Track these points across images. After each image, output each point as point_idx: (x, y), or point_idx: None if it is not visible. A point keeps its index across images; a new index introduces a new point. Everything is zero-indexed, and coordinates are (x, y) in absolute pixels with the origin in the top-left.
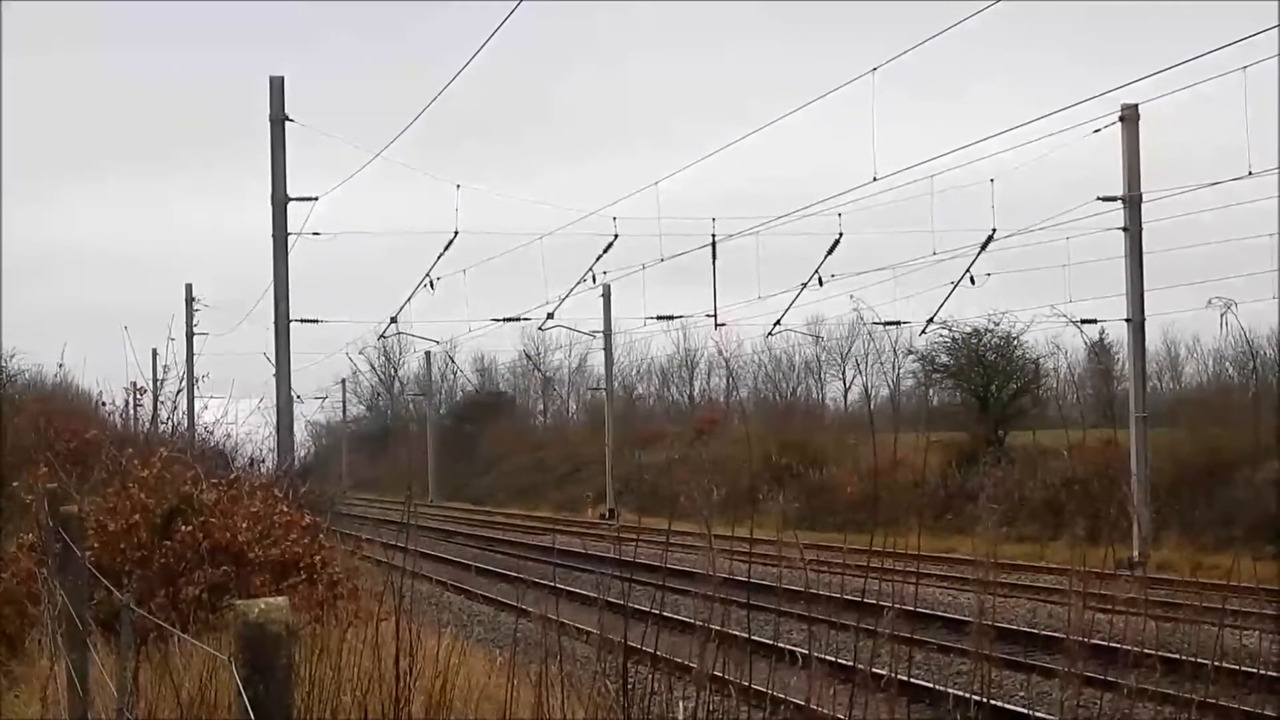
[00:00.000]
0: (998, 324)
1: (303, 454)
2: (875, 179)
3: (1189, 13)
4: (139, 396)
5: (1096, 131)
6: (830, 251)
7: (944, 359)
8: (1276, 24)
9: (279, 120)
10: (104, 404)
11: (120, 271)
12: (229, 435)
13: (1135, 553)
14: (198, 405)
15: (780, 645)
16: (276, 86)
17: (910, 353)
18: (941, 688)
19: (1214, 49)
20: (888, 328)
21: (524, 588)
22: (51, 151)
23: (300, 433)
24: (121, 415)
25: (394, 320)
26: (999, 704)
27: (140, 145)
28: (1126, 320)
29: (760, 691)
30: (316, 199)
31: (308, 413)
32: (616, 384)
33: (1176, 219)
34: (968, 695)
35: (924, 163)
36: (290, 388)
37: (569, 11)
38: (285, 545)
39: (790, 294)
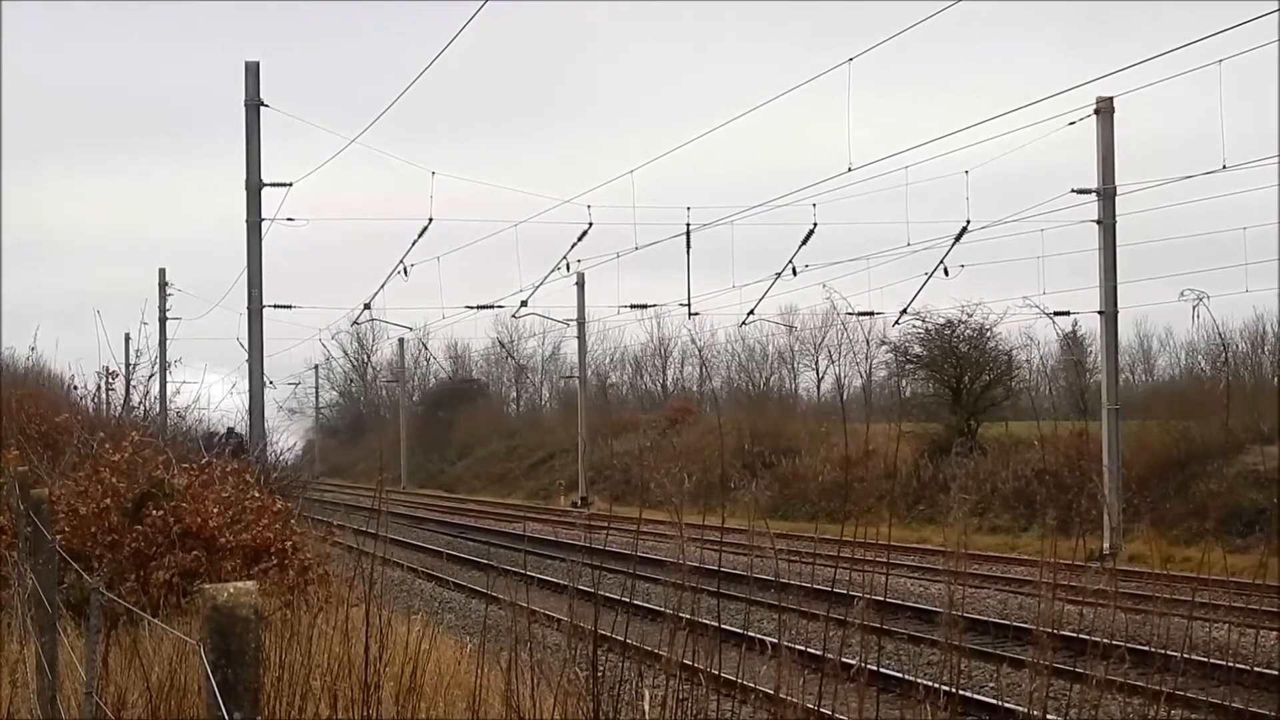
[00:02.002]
0: (971, 315)
1: (293, 443)
2: (850, 169)
3: (1165, 8)
4: (111, 381)
5: (1071, 124)
6: (804, 242)
7: (917, 350)
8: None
9: (254, 105)
10: (76, 388)
11: (93, 255)
12: (201, 420)
13: (1106, 544)
14: (171, 388)
15: (750, 634)
16: (252, 71)
17: (883, 343)
18: (911, 678)
19: (1189, 42)
20: (861, 318)
21: (495, 575)
22: (22, 135)
23: (272, 418)
24: (93, 399)
25: (368, 306)
26: (968, 694)
27: (113, 129)
28: (1099, 312)
29: (730, 680)
30: (291, 185)
31: (279, 398)
32: (590, 372)
33: (1150, 212)
34: (937, 685)
35: (898, 154)
36: (263, 373)
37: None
38: (256, 530)
39: (764, 284)
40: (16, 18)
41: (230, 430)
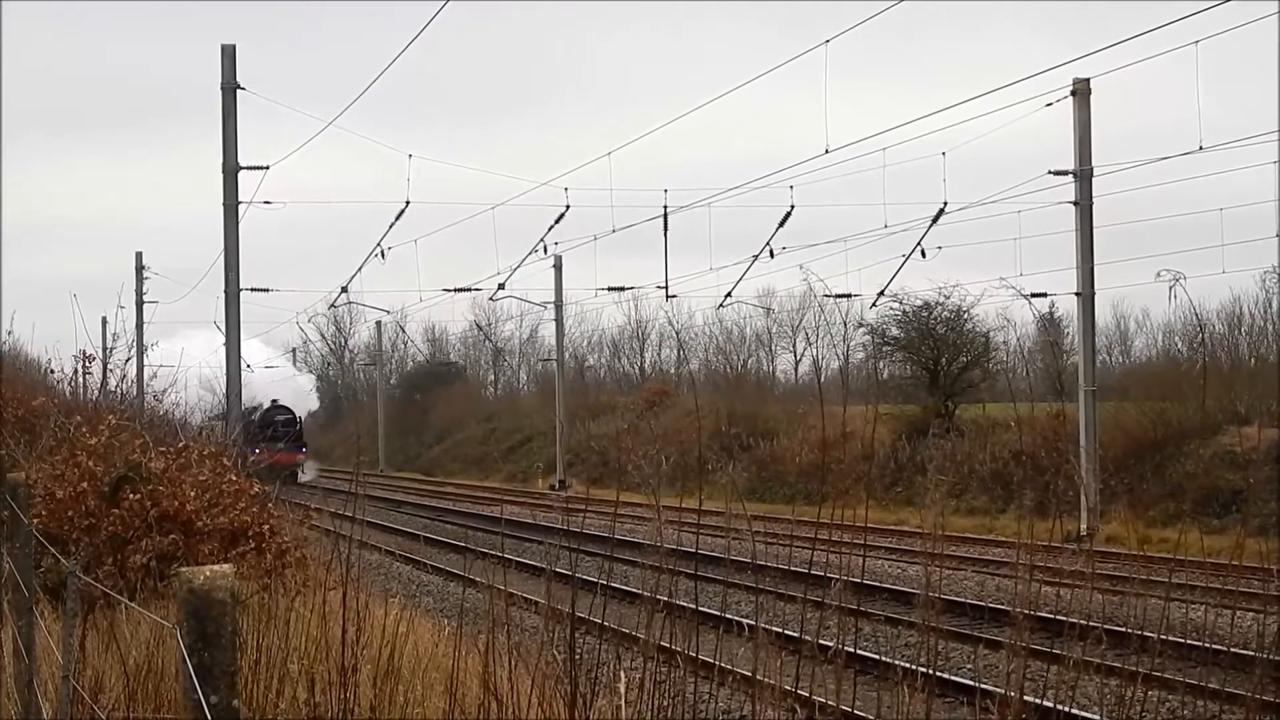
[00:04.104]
0: (948, 297)
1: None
2: (827, 151)
3: None
4: (88, 364)
5: (1049, 105)
6: (782, 224)
7: (894, 332)
8: None
9: (230, 88)
10: (53, 372)
11: (71, 239)
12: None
13: (1083, 526)
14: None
15: (728, 616)
16: (228, 54)
17: (861, 325)
18: (888, 659)
19: (1165, 23)
20: (838, 300)
21: (472, 558)
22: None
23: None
24: (70, 383)
25: (345, 290)
26: (946, 676)
27: (89, 113)
28: (1076, 294)
29: (708, 662)
30: (268, 168)
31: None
32: (567, 355)
33: (1127, 193)
34: (915, 667)
35: (876, 135)
36: (240, 356)
37: None
38: (234, 514)
39: (742, 266)
40: None
41: (276, 404)
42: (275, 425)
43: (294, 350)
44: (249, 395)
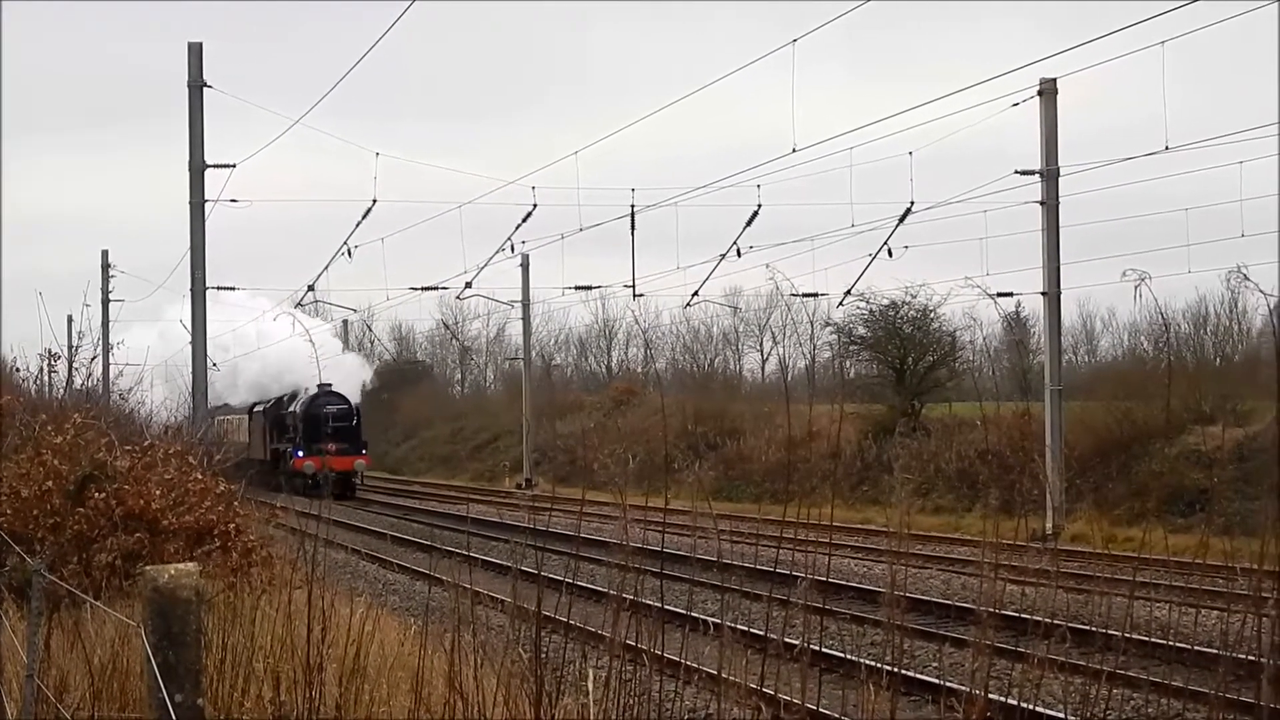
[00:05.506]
0: (915, 296)
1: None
2: (794, 151)
3: None
4: (53, 363)
5: (1015, 105)
6: (749, 223)
7: (861, 331)
8: None
9: (197, 86)
10: (18, 370)
11: (35, 236)
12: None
13: (1049, 525)
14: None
15: (694, 615)
16: (195, 52)
17: (827, 325)
18: (854, 657)
19: (1133, 23)
20: (805, 299)
21: (439, 557)
22: None
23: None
24: (35, 382)
25: (311, 288)
26: (911, 674)
27: (55, 111)
28: (1042, 293)
29: (673, 661)
30: (234, 166)
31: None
32: (535, 354)
33: (1093, 193)
34: (880, 665)
35: (843, 135)
36: (206, 354)
37: None
38: (199, 512)
39: (709, 265)
40: None
41: (325, 390)
42: (325, 419)
43: (344, 322)
44: (292, 379)
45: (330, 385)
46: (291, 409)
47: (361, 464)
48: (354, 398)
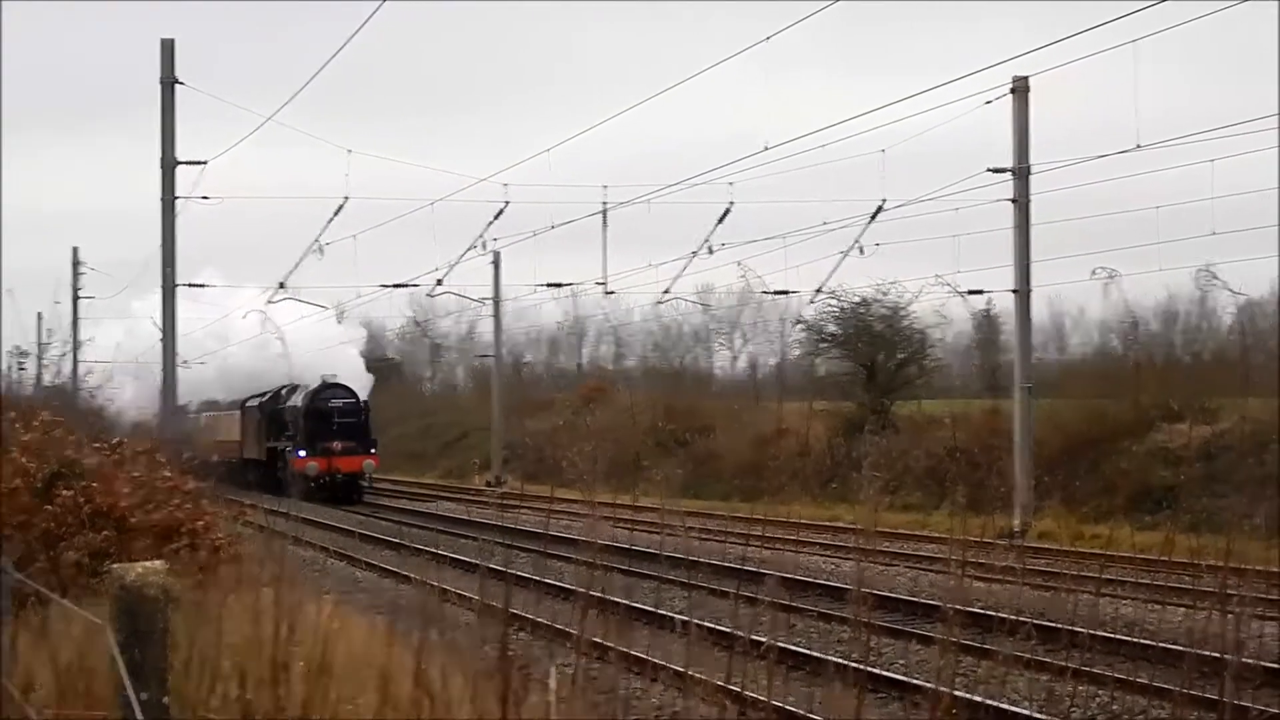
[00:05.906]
0: (886, 294)
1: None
2: (766, 148)
3: None
4: (22, 360)
5: (988, 103)
6: (720, 220)
7: (832, 328)
8: None
9: (169, 83)
10: None
11: (7, 233)
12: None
13: (1016, 522)
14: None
15: (661, 612)
16: (167, 49)
17: (799, 322)
18: (821, 655)
19: (1104, 21)
20: (777, 297)
21: (407, 554)
22: None
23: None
24: (4, 379)
25: (282, 285)
26: (877, 671)
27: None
28: (1013, 291)
29: (641, 658)
30: (205, 163)
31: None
32: (505, 351)
33: (1064, 191)
34: (846, 662)
35: (815, 132)
36: (176, 352)
37: None
38: (168, 510)
39: (680, 262)
40: None
41: (329, 384)
42: (329, 415)
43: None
44: (285, 371)
45: (336, 377)
46: (291, 403)
47: (370, 465)
48: (362, 393)
